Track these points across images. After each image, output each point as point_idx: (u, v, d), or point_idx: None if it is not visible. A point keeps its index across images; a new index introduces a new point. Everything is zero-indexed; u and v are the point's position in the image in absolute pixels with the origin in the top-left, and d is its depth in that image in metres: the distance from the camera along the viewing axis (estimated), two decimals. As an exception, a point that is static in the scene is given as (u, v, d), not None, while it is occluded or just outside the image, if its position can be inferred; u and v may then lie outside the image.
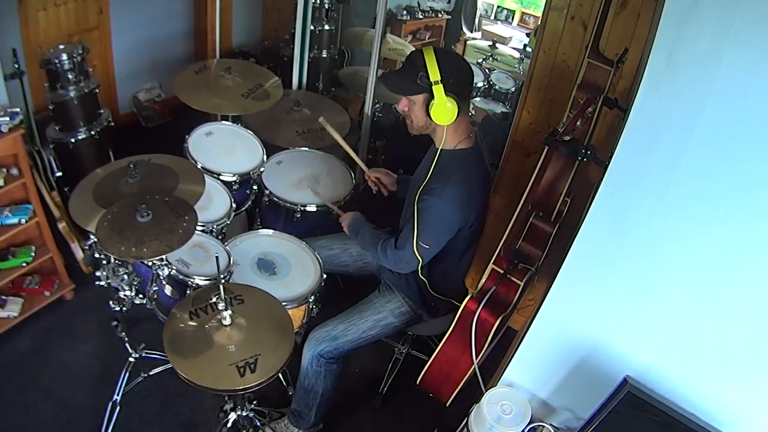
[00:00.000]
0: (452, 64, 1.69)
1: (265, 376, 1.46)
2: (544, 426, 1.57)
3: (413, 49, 3.25)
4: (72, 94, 2.52)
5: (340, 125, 2.70)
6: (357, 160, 2.23)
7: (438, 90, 1.64)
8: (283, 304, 1.83)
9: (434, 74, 1.63)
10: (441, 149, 1.79)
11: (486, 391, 1.60)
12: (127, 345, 2.15)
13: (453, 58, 1.75)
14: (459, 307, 1.78)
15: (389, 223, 2.12)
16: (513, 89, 3.49)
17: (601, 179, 1.25)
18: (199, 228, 1.86)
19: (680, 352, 1.31)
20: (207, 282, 1.83)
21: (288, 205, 2.22)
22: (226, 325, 1.55)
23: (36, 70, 2.56)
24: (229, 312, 1.54)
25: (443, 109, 1.66)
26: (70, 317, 2.51)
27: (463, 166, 1.77)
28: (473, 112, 3.26)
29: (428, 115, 1.70)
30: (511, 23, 4.03)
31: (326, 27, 3.41)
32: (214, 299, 1.57)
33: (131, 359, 2.17)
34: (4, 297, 2.35)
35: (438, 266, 1.91)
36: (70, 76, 2.48)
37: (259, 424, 2.04)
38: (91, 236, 1.79)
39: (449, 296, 2.00)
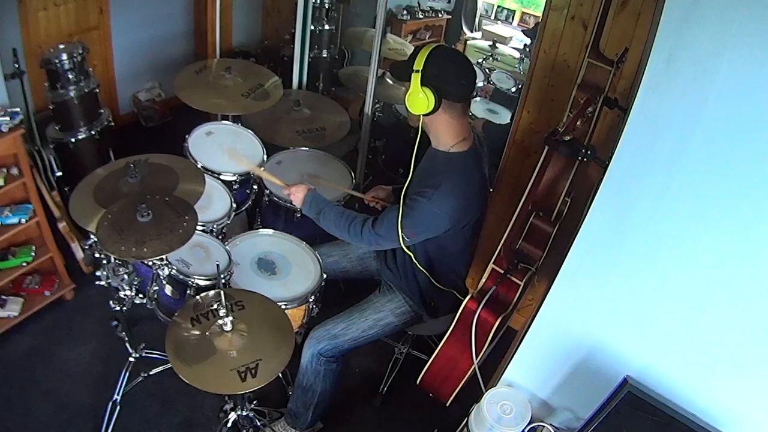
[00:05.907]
0: (445, 61, 1.69)
1: (266, 381, 1.47)
2: (544, 426, 1.57)
3: (413, 48, 3.28)
4: (72, 93, 2.52)
5: (340, 125, 2.71)
6: (355, 193, 2.25)
7: (414, 78, 1.67)
8: (283, 304, 1.84)
9: (418, 64, 1.66)
10: (436, 149, 1.80)
11: (486, 391, 1.60)
12: (127, 345, 2.16)
13: (450, 57, 1.73)
14: (459, 306, 1.78)
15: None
16: (513, 89, 3.49)
17: (601, 179, 1.25)
18: (199, 228, 1.86)
19: (680, 352, 1.31)
20: (207, 282, 1.83)
21: (288, 204, 2.22)
22: (227, 331, 1.55)
23: (36, 70, 2.56)
24: (230, 318, 1.55)
25: (414, 98, 1.68)
26: (70, 317, 2.51)
27: (458, 169, 1.76)
28: (473, 118, 3.25)
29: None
30: (511, 23, 4.02)
31: (326, 27, 3.41)
32: (215, 305, 1.57)
33: (131, 359, 2.18)
34: (4, 297, 2.35)
35: (438, 258, 1.91)
36: (70, 76, 2.48)
37: (259, 424, 2.04)
38: (92, 236, 1.79)
39: (450, 287, 1.99)
